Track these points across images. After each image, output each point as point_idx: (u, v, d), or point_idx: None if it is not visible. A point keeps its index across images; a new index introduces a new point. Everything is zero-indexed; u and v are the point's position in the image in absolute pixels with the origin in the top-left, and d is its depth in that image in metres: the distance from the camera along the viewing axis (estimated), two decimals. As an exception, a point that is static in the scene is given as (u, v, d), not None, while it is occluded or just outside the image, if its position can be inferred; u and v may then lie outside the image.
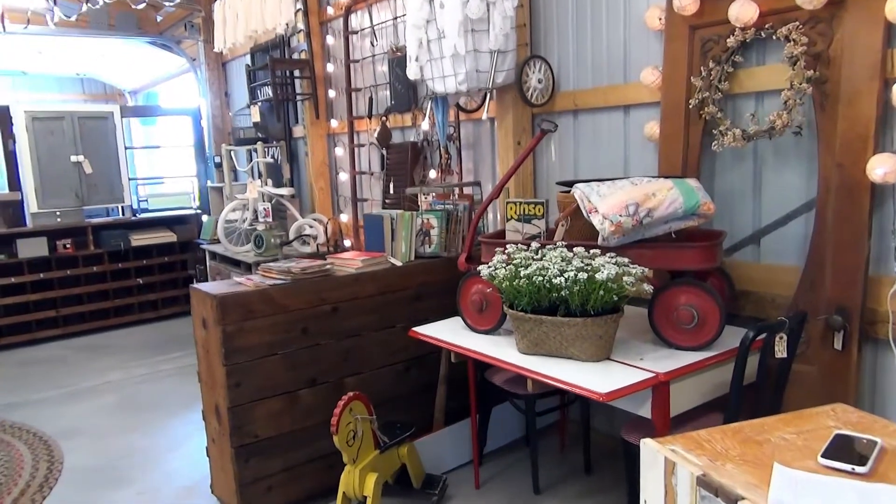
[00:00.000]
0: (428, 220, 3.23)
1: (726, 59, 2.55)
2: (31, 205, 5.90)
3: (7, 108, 5.89)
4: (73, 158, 6.04)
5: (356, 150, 4.92)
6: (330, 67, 5.08)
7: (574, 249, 2.25)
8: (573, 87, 3.29)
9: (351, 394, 2.55)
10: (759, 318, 2.60)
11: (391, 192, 4.40)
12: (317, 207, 5.35)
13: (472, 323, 2.63)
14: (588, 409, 3.05)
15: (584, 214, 2.31)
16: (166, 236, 6.49)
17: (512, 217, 2.68)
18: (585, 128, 3.26)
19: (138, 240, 6.32)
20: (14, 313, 5.84)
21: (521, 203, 2.65)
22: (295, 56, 5.39)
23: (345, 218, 5.13)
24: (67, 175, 6.02)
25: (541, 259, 2.28)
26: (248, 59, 6.12)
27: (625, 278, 2.11)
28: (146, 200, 6.72)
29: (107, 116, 6.24)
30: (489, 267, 2.35)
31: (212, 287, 2.72)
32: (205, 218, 6.30)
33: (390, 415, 2.99)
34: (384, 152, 4.48)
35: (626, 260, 2.19)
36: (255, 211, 4.98)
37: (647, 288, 2.14)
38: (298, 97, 5.35)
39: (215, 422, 2.77)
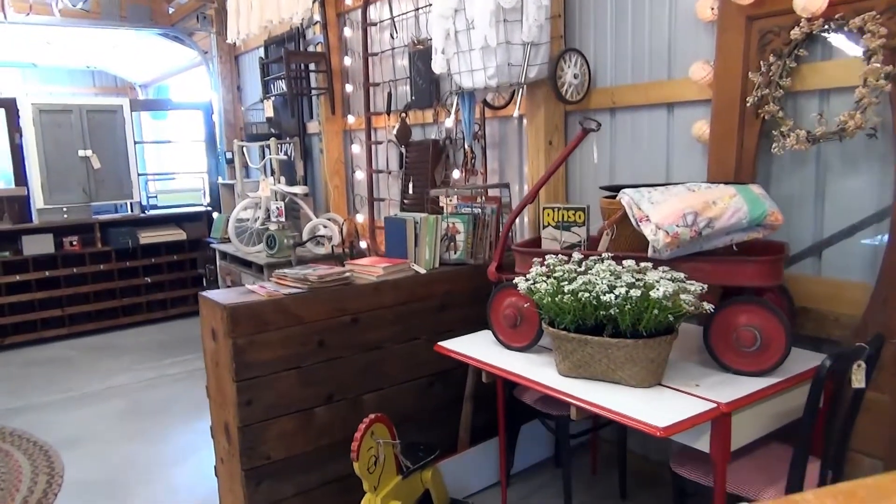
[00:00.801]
0: (454, 224, 3.01)
1: (789, 52, 2.31)
2: (38, 200, 5.73)
3: (14, 101, 5.71)
4: (81, 153, 5.86)
5: (373, 147, 4.71)
6: (347, 61, 4.87)
7: (624, 262, 2.03)
8: (611, 83, 3.06)
9: (372, 416, 2.34)
10: (819, 338, 2.37)
11: (410, 192, 4.19)
12: (331, 207, 5.15)
13: (504, 339, 2.41)
14: (625, 429, 2.83)
15: (633, 223, 2.09)
16: (176, 234, 6.31)
17: (549, 224, 2.46)
18: (623, 127, 3.03)
19: (147, 237, 6.14)
20: (19, 312, 5.67)
21: (560, 209, 2.42)
22: (310, 49, 5.18)
23: (361, 218, 4.92)
24: (75, 170, 5.85)
25: (586, 272, 2.06)
26: (261, 53, 5.92)
27: (682, 296, 1.88)
28: (155, 197, 6.54)
29: (116, 110, 6.06)
30: (527, 280, 2.13)
31: (222, 295, 2.52)
32: (215, 215, 6.11)
33: (412, 433, 2.78)
34: (403, 150, 4.27)
35: (682, 275, 1.97)
36: (268, 210, 4.79)
37: (707, 307, 1.92)
38: (314, 92, 5.14)
39: (225, 441, 2.56)
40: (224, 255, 5.29)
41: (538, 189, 2.50)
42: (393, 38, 4.36)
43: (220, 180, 6.35)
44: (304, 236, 4.69)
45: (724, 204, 1.96)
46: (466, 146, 3.61)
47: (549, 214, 2.44)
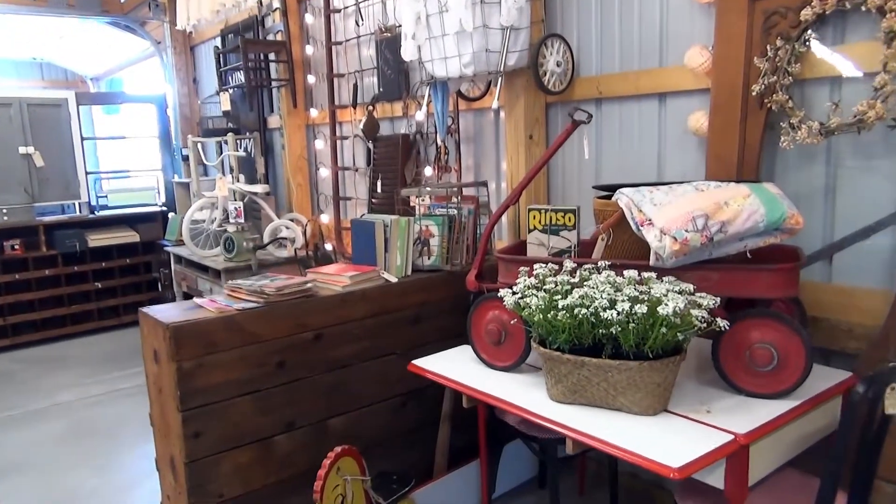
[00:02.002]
0: (427, 226, 2.74)
1: (797, 35, 2.09)
2: (-26, 202, 5.30)
3: (-54, 94, 5.28)
4: (22, 150, 5.44)
5: (339, 143, 4.41)
6: (309, 50, 4.55)
7: (625, 273, 1.78)
8: (596, 71, 2.82)
9: (338, 449, 2.06)
10: (830, 351, 2.17)
11: (378, 190, 3.90)
12: (294, 207, 4.83)
13: (487, 358, 2.15)
14: (616, 450, 2.59)
15: (633, 227, 1.84)
16: (128, 236, 5.92)
17: (535, 227, 2.20)
18: (611, 120, 2.79)
19: (96, 240, 5.74)
20: (-45, 322, 5.25)
21: (547, 211, 2.17)
22: (270, 38, 4.85)
23: (326, 219, 4.62)
24: (15, 168, 5.42)
25: (581, 284, 1.80)
26: (218, 42, 5.55)
27: (693, 312, 1.64)
28: (106, 196, 6.12)
29: (60, 104, 5.64)
30: (514, 293, 1.87)
31: (165, 312, 2.21)
32: (171, 216, 5.74)
33: (385, 459, 2.50)
34: (370, 146, 3.97)
35: (690, 287, 1.73)
36: (225, 210, 4.46)
37: (722, 324, 1.68)
38: (274, 83, 4.81)
39: (171, 477, 2.26)
40: (179, 259, 4.94)
41: (522, 189, 2.24)
42: (358, 25, 4.06)
43: (176, 179, 5.98)
44: (265, 238, 4.37)
45: (737, 205, 1.73)
46: (439, 141, 3.34)
47: (535, 217, 2.19)
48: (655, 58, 2.59)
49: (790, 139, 2.09)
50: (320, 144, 4.56)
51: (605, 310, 1.67)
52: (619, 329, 1.67)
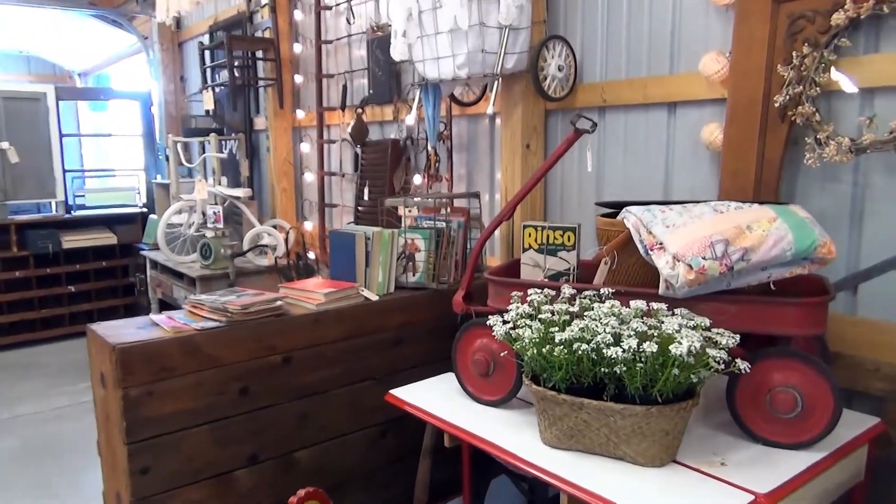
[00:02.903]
0: (413, 240, 2.52)
1: (827, 42, 1.88)
2: (-57, 198, 5.05)
3: (-84, 84, 5.03)
4: (-4, 145, 5.20)
5: (326, 146, 4.19)
6: (298, 48, 4.33)
7: (631, 303, 1.56)
8: (601, 77, 2.61)
9: (302, 492, 1.83)
10: (852, 391, 1.95)
11: (365, 198, 3.68)
12: (278, 212, 4.60)
13: (473, 391, 1.92)
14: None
15: (641, 251, 1.62)
16: (105, 237, 5.67)
17: (531, 246, 1.98)
18: (615, 130, 2.58)
19: (71, 241, 5.49)
20: (-82, 324, 4.99)
21: (544, 229, 1.95)
22: (258, 34, 4.63)
23: (310, 226, 4.39)
24: (-12, 164, 5.18)
25: (581, 314, 1.58)
26: (206, 39, 5.33)
27: (710, 351, 1.42)
28: (83, 196, 5.87)
29: (38, 98, 5.40)
30: (506, 321, 1.65)
31: (114, 330, 1.97)
32: (151, 218, 5.49)
33: (360, 495, 2.28)
34: (358, 151, 3.76)
35: (706, 321, 1.51)
36: (204, 214, 4.23)
37: (743, 365, 1.46)
38: (261, 83, 4.59)
39: (116, 514, 2.02)
40: (155, 264, 4.70)
41: (516, 203, 2.02)
42: (349, 23, 3.85)
43: (159, 179, 5.74)
44: (245, 245, 4.14)
45: (762, 230, 1.51)
46: (430, 148, 3.12)
47: (530, 235, 1.97)
48: (666, 64, 2.38)
49: (816, 156, 1.88)
50: (306, 148, 4.34)
51: (608, 346, 1.45)
52: (625, 368, 1.45)
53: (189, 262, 4.26)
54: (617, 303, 1.57)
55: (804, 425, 1.56)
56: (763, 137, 2.03)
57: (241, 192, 4.25)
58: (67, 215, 5.65)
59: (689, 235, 1.53)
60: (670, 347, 1.40)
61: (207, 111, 4.83)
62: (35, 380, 4.63)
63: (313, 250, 4.24)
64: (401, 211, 2.63)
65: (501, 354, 1.83)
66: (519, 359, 1.71)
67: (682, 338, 1.42)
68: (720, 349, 1.44)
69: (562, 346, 1.49)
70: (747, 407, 1.61)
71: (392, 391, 2.03)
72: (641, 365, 1.43)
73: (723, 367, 1.43)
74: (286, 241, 4.16)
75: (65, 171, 5.70)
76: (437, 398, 1.97)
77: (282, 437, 2.16)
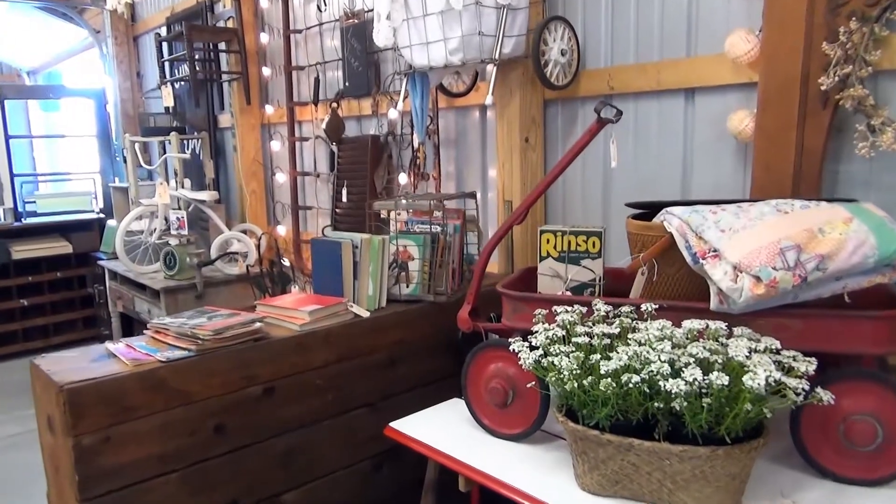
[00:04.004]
0: (405, 247, 2.25)
1: (878, 16, 1.66)
2: None
3: None
4: (-67, 149, 4.77)
5: (298, 144, 3.89)
6: (264, 38, 4.02)
7: (685, 324, 1.32)
8: (606, 62, 2.37)
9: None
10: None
11: (343, 199, 3.40)
12: (248, 216, 4.28)
13: (489, 424, 1.67)
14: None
15: (688, 260, 1.39)
16: (59, 246, 5.27)
17: (549, 254, 1.73)
18: (623, 121, 2.29)
19: (22, 251, 5.08)
20: None
21: (565, 234, 1.70)
22: (221, 25, 4.29)
23: (283, 230, 4.08)
24: (-75, 170, 4.75)
25: (626, 337, 1.34)
26: (164, 32, 4.97)
27: (788, 381, 1.19)
28: (34, 202, 5.45)
29: (-21, 97, 4.97)
30: (533, 346, 1.40)
31: (61, 364, 1.67)
32: (110, 224, 5.11)
33: (352, 540, 2.01)
34: (334, 148, 3.47)
35: (776, 343, 1.28)
36: (167, 220, 3.89)
37: (826, 397, 1.23)
38: (224, 77, 4.26)
39: (71, 580, 1.72)
40: (115, 275, 4.34)
41: (530, 204, 1.77)
42: (320, 10, 3.55)
43: (117, 182, 5.36)
44: (213, 253, 3.82)
45: (838, 233, 1.28)
46: (417, 143, 2.85)
47: (548, 241, 1.71)
48: (682, 46, 2.15)
49: (869, 145, 1.66)
50: (277, 146, 4.02)
51: (665, 378, 1.21)
52: (686, 404, 1.21)
53: (151, 273, 3.92)
54: (668, 323, 1.32)
55: (884, 458, 1.34)
56: (802, 125, 1.81)
57: (206, 196, 3.92)
58: (17, 223, 5.23)
59: (753, 241, 1.29)
60: (744, 379, 1.16)
61: (167, 108, 4.48)
62: (-16, 404, 4.25)
63: (288, 256, 3.94)
64: (389, 215, 2.36)
65: (515, 373, 1.57)
66: (544, 388, 1.46)
67: (754, 366, 1.18)
68: (798, 377, 1.21)
69: (610, 378, 1.24)
70: (815, 438, 1.38)
71: (392, 424, 1.76)
72: (707, 400, 1.19)
73: (802, 398, 1.20)
74: (258, 247, 3.85)
75: (13, 176, 5.28)
76: (444, 431, 1.71)
77: (265, 478, 1.88)
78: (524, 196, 2.52)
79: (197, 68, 4.07)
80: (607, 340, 1.34)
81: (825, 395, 1.22)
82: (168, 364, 1.68)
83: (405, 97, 2.60)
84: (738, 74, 1.97)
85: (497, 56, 2.21)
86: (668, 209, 1.46)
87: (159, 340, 1.83)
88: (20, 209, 5.40)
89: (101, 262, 4.53)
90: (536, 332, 1.43)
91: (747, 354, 1.21)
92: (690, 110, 2.16)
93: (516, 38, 2.28)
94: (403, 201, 2.32)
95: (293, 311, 1.99)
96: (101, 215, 5.58)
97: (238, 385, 1.80)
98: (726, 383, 1.16)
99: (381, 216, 2.60)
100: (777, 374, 1.16)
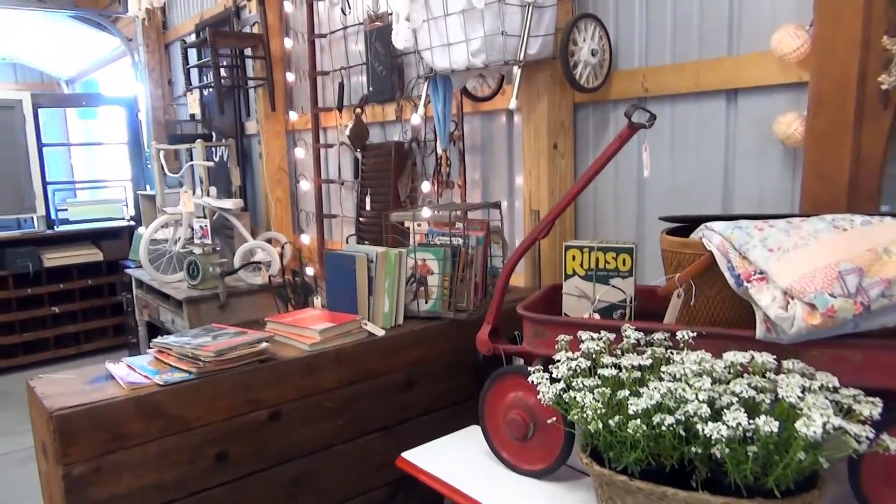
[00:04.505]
0: (424, 260, 2.12)
1: (948, 6, 1.48)
2: (-89, 216, 4.68)
3: None
4: (-33, 157, 4.83)
5: (322, 151, 3.80)
6: (289, 44, 3.94)
7: (727, 356, 1.16)
8: (641, 62, 2.21)
9: None
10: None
11: (367, 207, 3.29)
12: (273, 224, 4.21)
13: (508, 457, 1.53)
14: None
15: (730, 281, 1.23)
16: (90, 254, 5.28)
17: (575, 272, 1.58)
18: (658, 125, 2.13)
19: (53, 258, 5.11)
20: None
21: (592, 250, 1.55)
22: (247, 31, 4.24)
23: (307, 239, 4.00)
24: (-41, 179, 4.81)
25: (658, 369, 1.19)
26: (193, 39, 4.95)
27: (851, 427, 1.02)
28: (66, 210, 5.49)
29: (13, 105, 5.02)
30: (554, 379, 1.25)
31: (55, 387, 1.58)
32: (139, 232, 5.10)
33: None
34: (359, 155, 3.36)
35: (832, 380, 1.11)
36: (192, 228, 3.84)
37: (891, 445, 1.06)
38: (250, 83, 4.20)
39: None
40: (140, 284, 4.32)
41: (556, 217, 1.62)
42: (345, 14, 3.46)
43: (148, 190, 5.35)
44: (236, 262, 3.75)
45: (908, 255, 1.11)
46: (440, 150, 2.72)
47: (574, 258, 1.57)
48: (723, 43, 1.98)
49: (938, 151, 1.48)
50: (301, 153, 3.94)
51: (704, 421, 1.05)
52: (726, 451, 1.05)
53: (176, 282, 3.87)
54: (707, 355, 1.16)
55: (961, 513, 1.16)
56: (859, 128, 1.62)
57: (230, 204, 3.86)
58: (49, 231, 5.27)
59: (806, 263, 1.13)
60: (796, 425, 1.00)
61: (191, 115, 4.45)
62: (8, 412, 4.25)
63: (312, 266, 3.85)
64: (409, 225, 2.24)
65: (549, 421, 1.43)
66: (568, 425, 1.31)
67: (809, 408, 1.02)
68: (860, 421, 1.04)
69: (641, 419, 1.09)
70: (882, 492, 1.21)
71: (405, 455, 1.63)
72: (754, 448, 1.03)
73: (866, 446, 1.03)
74: (281, 256, 3.77)
75: (46, 184, 5.32)
76: (461, 463, 1.58)
77: (271, 509, 1.77)
78: (552, 206, 2.37)
79: (223, 75, 4.02)
80: (637, 373, 1.18)
81: (893, 444, 1.05)
82: (166, 388, 1.58)
83: (427, 102, 2.47)
84: (785, 73, 1.80)
85: (522, 57, 2.07)
86: (708, 224, 1.30)
87: (162, 361, 1.73)
88: (53, 217, 5.43)
89: (127, 270, 4.51)
90: (558, 361, 1.28)
91: (800, 395, 1.04)
92: (732, 113, 1.99)
93: (543, 37, 2.14)
94: (424, 211, 2.20)
95: (303, 330, 1.88)
96: (132, 223, 5.59)
97: (242, 409, 1.69)
98: (776, 430, 1.00)
99: (406, 226, 2.48)
100: (836, 420, 0.99)
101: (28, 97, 5.12)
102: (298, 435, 1.80)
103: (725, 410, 1.06)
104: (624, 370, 1.19)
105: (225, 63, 4.23)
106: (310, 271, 3.82)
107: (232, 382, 1.67)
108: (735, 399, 1.08)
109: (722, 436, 1.02)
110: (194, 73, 4.52)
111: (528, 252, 2.47)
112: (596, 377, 1.21)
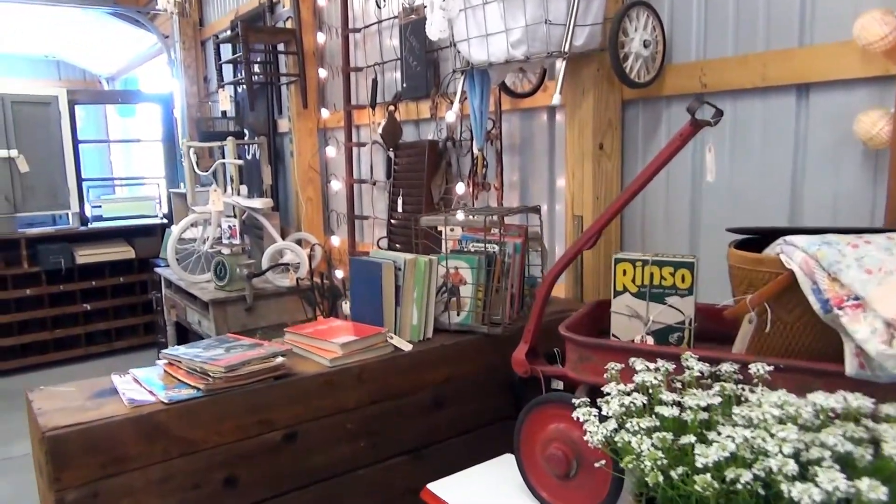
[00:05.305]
0: (457, 269, 1.96)
1: None
2: (-53, 211, 4.70)
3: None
4: (4, 153, 4.81)
5: (355, 150, 3.66)
6: (322, 38, 3.82)
7: (813, 398, 0.97)
8: (698, 54, 2.01)
9: None
10: None
11: (399, 209, 3.15)
12: (304, 225, 4.10)
13: (548, 497, 1.35)
14: None
15: (816, 307, 1.03)
16: (122, 251, 5.25)
17: (626, 289, 1.40)
18: (719, 124, 1.97)
19: (86, 255, 5.08)
20: (-77, 347, 4.64)
21: (646, 264, 1.36)
22: (280, 26, 4.13)
23: (337, 241, 3.87)
24: (-5, 174, 4.81)
25: (728, 410, 1.00)
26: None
27: (976, 495, 0.83)
28: (99, 207, 5.47)
29: (50, 101, 5.01)
30: (603, 417, 1.08)
31: (53, 402, 1.46)
32: (171, 230, 5.05)
33: None
34: (391, 154, 3.22)
35: (947, 430, 0.91)
36: (221, 228, 3.74)
37: None
38: (282, 79, 4.09)
39: None
40: (169, 283, 4.24)
41: (603, 226, 1.44)
42: (379, 7, 3.31)
43: (181, 187, 5.30)
44: (265, 263, 3.63)
45: None
46: (476, 150, 2.55)
47: (625, 272, 1.38)
48: (794, 32, 1.77)
49: None
50: (332, 152, 3.81)
51: (791, 480, 0.86)
52: (817, 517, 0.86)
53: (202, 283, 3.78)
54: (791, 396, 0.97)
55: None
56: (959, 128, 1.41)
57: (260, 203, 3.75)
58: (82, 227, 5.25)
59: (918, 289, 0.93)
60: (910, 491, 0.81)
61: (223, 112, 4.36)
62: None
63: (341, 269, 3.72)
64: (442, 230, 2.07)
65: (578, 437, 1.25)
66: (618, 470, 1.13)
67: (924, 471, 0.82)
68: None
69: (712, 474, 0.90)
70: None
71: (430, 486, 1.47)
72: (854, 516, 0.84)
73: None
74: (310, 258, 3.65)
75: (81, 181, 5.30)
76: (492, 498, 1.41)
77: (284, 539, 1.62)
78: (596, 211, 2.19)
79: (255, 70, 3.92)
80: (704, 414, 1.00)
81: None
82: (170, 407, 1.44)
83: (462, 98, 2.31)
84: (869, 65, 1.58)
85: (567, 49, 1.89)
86: (788, 238, 1.11)
87: (170, 375, 1.60)
88: (86, 214, 5.42)
89: (157, 269, 4.44)
90: (608, 393, 1.10)
91: (912, 452, 0.85)
92: (803, 111, 1.78)
93: (590, 27, 1.96)
94: (457, 216, 2.03)
95: (323, 343, 1.73)
96: (165, 221, 5.55)
97: (254, 430, 1.55)
98: (884, 499, 0.81)
99: (436, 230, 2.32)
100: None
101: (64, 94, 5.11)
102: (315, 458, 1.65)
103: (815, 467, 0.87)
104: (688, 410, 1.00)
105: (258, 59, 4.14)
106: (339, 274, 3.69)
107: (243, 401, 1.53)
108: (828, 453, 0.88)
109: (814, 500, 0.83)
110: (227, 69, 4.44)
111: (574, 263, 2.29)
112: (653, 416, 1.03)
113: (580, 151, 2.20)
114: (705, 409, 1.01)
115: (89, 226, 5.32)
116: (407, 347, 1.81)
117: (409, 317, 1.87)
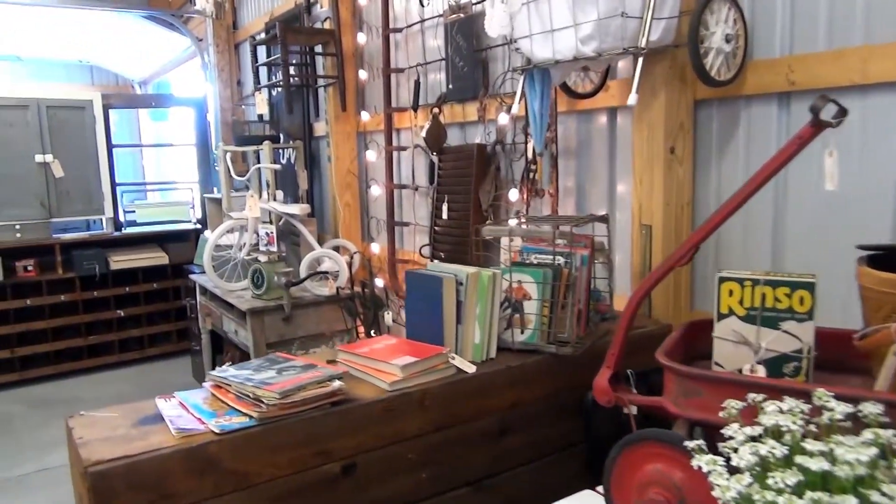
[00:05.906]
0: (520, 283, 1.81)
1: None
2: (-17, 216, 4.67)
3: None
4: (39, 158, 4.78)
5: (395, 154, 3.54)
6: (362, 39, 3.70)
7: None
8: (783, 49, 1.85)
9: None
10: None
11: (444, 216, 3.01)
12: (341, 232, 3.98)
13: (644, 548, 1.20)
14: None
15: None
16: (156, 257, 5.19)
17: (732, 311, 1.24)
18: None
19: (120, 261, 5.03)
20: (-43, 354, 4.61)
21: (757, 283, 1.21)
22: (318, 27, 4.03)
23: (377, 248, 3.74)
24: (30, 179, 4.76)
25: (888, 461, 0.84)
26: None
27: None
28: (133, 212, 5.42)
29: (84, 106, 4.96)
30: (734, 469, 0.92)
31: (95, 431, 1.35)
32: (205, 235, 4.98)
33: None
34: (435, 159, 3.09)
35: None
36: (257, 234, 3.64)
37: None
38: (320, 81, 3.98)
39: None
40: (204, 290, 4.15)
41: (701, 240, 1.28)
42: (423, 5, 3.19)
43: (215, 193, 5.23)
44: (302, 272, 3.52)
45: None
46: (535, 154, 2.41)
47: (732, 293, 1.23)
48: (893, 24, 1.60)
49: None
50: (372, 156, 3.69)
51: None
52: None
53: (239, 291, 3.68)
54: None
55: None
56: None
57: (297, 209, 3.64)
58: (116, 233, 5.20)
59: None
60: None
61: (259, 116, 4.27)
62: (74, 420, 4.15)
63: (382, 277, 3.59)
64: (503, 241, 1.93)
65: (683, 478, 1.10)
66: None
67: None
68: None
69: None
70: None
71: (505, 528, 1.32)
72: None
73: None
74: (350, 266, 3.53)
75: (115, 185, 5.26)
76: (577, 546, 1.26)
77: (341, 579, 1.49)
78: (667, 219, 2.03)
79: (292, 73, 3.82)
80: (863, 470, 0.84)
81: None
82: (222, 437, 1.32)
83: (521, 99, 2.16)
84: None
85: (644, 44, 1.74)
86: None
87: (218, 399, 1.47)
88: (121, 219, 5.37)
89: (192, 276, 4.36)
90: (732, 437, 0.95)
91: None
92: (911, 110, 1.61)
93: (666, 20, 1.81)
94: (522, 226, 1.89)
95: (382, 364, 1.59)
96: (198, 226, 5.48)
97: (311, 462, 1.42)
98: None
99: (495, 240, 2.18)
100: None
101: (98, 98, 5.07)
102: (374, 491, 1.51)
103: None
104: (842, 466, 0.84)
105: (294, 61, 4.04)
106: (380, 283, 3.57)
107: (300, 430, 1.40)
108: None
109: None
110: (263, 71, 4.35)
111: (639, 272, 2.13)
112: (795, 469, 0.88)
113: (649, 155, 2.05)
114: (861, 464, 0.85)
115: (123, 231, 5.27)
116: (471, 369, 1.67)
117: (471, 335, 1.73)
